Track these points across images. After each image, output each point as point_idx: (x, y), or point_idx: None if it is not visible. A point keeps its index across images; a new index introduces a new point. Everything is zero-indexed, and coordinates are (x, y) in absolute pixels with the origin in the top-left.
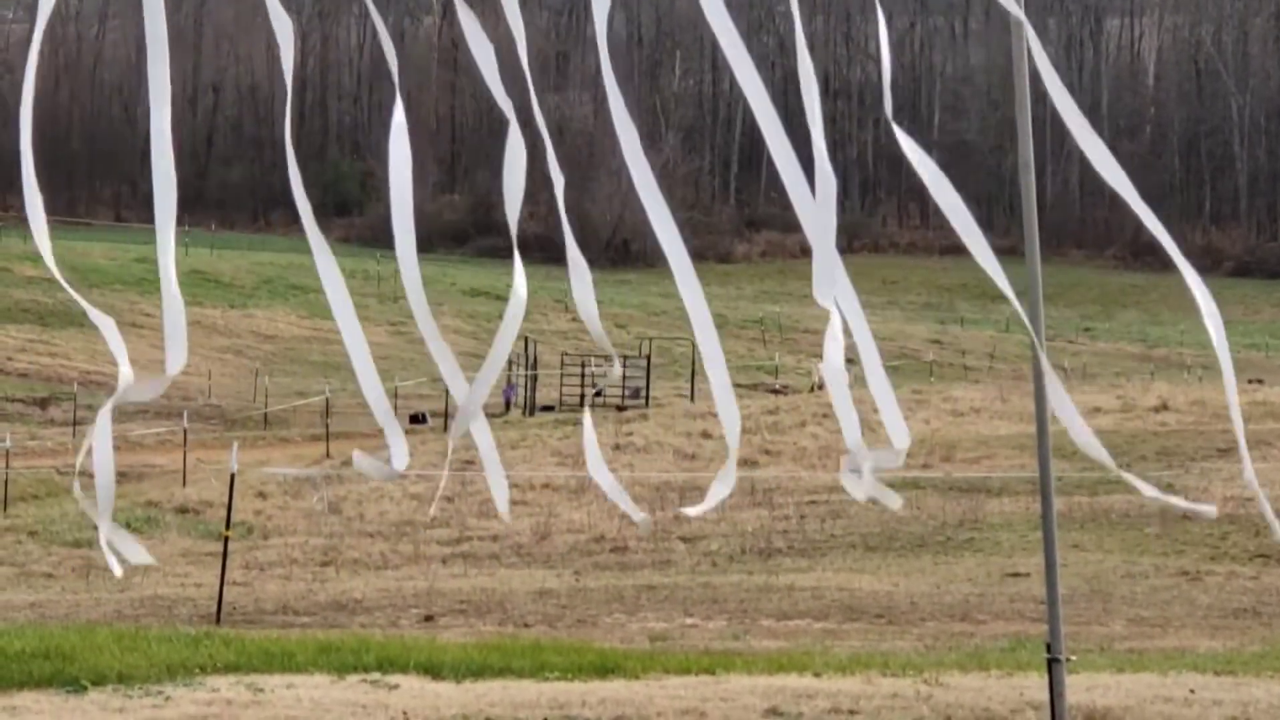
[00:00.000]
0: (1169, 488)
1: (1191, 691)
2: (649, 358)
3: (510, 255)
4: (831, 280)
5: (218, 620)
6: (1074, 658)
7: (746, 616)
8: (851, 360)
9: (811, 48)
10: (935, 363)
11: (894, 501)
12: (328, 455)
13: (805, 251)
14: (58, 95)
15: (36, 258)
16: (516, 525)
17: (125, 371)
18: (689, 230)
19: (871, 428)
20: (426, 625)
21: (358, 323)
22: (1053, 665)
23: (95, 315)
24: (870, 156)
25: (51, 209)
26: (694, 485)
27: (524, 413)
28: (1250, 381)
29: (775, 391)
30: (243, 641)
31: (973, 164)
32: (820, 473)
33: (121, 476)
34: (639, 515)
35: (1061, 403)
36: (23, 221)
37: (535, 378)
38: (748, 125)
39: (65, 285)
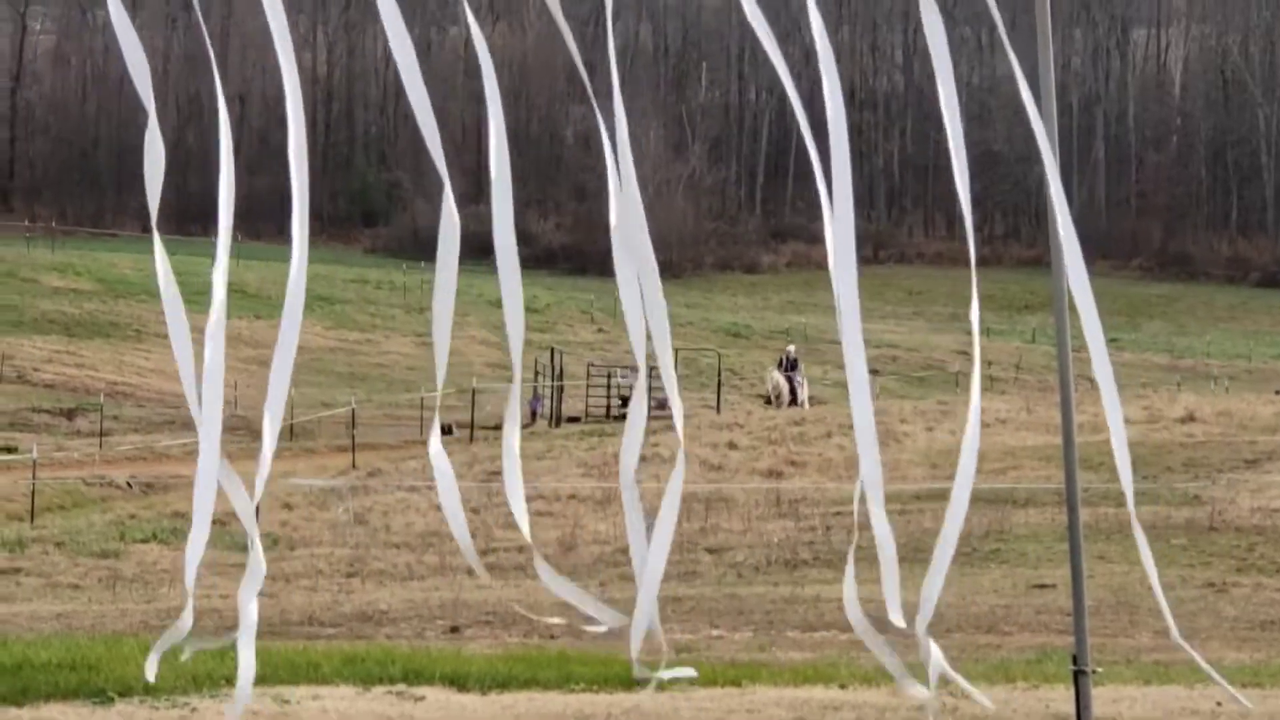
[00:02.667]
0: (1195, 499)
1: (1218, 704)
2: (675, 368)
3: (537, 266)
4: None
5: None
6: (1100, 670)
7: (772, 628)
8: (876, 371)
9: (837, 58)
10: (961, 374)
11: (987, 702)
12: (353, 466)
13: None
14: (85, 106)
15: (64, 268)
16: (542, 536)
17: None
18: (715, 240)
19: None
20: (452, 636)
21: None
22: (1079, 677)
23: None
24: (896, 166)
25: (78, 220)
26: (720, 497)
27: (550, 424)
28: (1277, 392)
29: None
30: (268, 653)
31: (999, 174)
32: (846, 484)
33: (148, 488)
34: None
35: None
36: (50, 233)
37: (561, 389)
38: (774, 136)
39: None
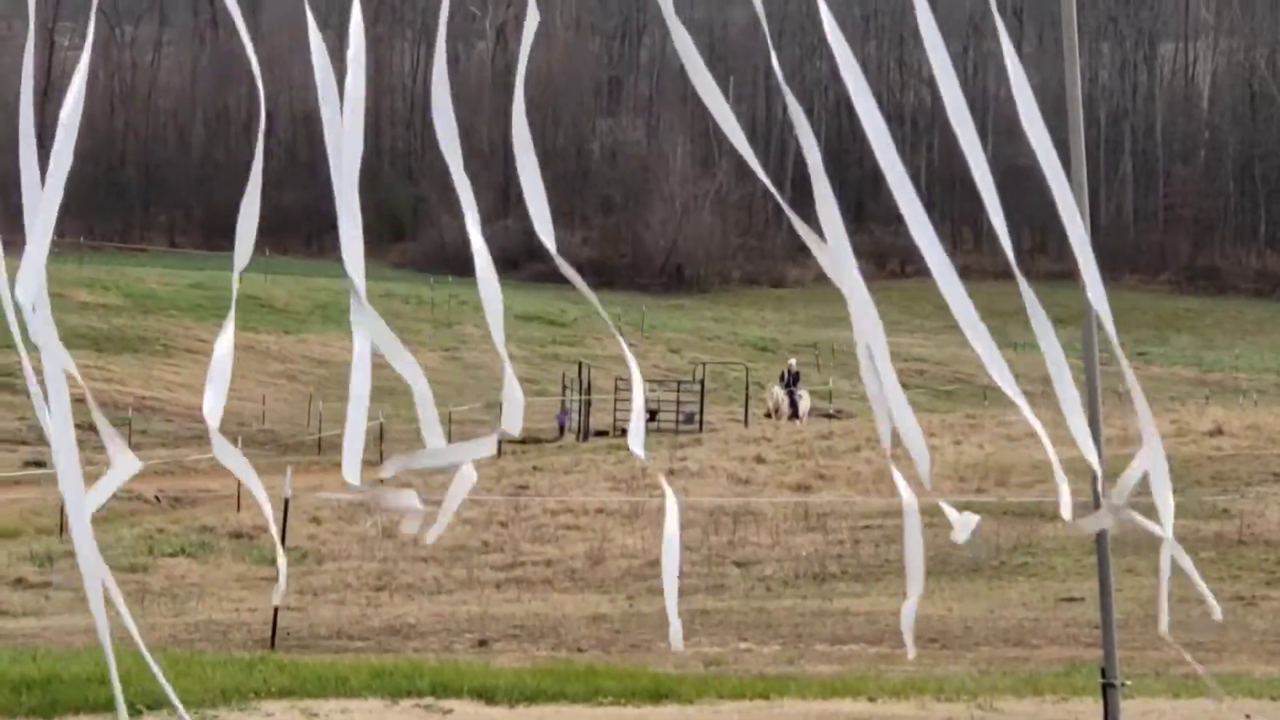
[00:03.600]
0: (1224, 513)
1: (1247, 717)
2: (703, 382)
3: (563, 280)
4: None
5: (272, 645)
6: (1129, 683)
7: (801, 641)
8: (905, 385)
9: (865, 72)
10: (989, 387)
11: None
12: (381, 481)
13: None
14: (113, 121)
15: (92, 283)
16: (570, 550)
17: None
18: (742, 255)
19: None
20: (480, 650)
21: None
22: (1107, 690)
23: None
24: (924, 180)
25: (106, 236)
26: (747, 510)
27: (578, 437)
28: None
29: (829, 416)
30: (297, 666)
31: (1027, 188)
32: (874, 497)
33: (176, 502)
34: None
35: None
36: (79, 248)
37: (589, 403)
38: (800, 150)
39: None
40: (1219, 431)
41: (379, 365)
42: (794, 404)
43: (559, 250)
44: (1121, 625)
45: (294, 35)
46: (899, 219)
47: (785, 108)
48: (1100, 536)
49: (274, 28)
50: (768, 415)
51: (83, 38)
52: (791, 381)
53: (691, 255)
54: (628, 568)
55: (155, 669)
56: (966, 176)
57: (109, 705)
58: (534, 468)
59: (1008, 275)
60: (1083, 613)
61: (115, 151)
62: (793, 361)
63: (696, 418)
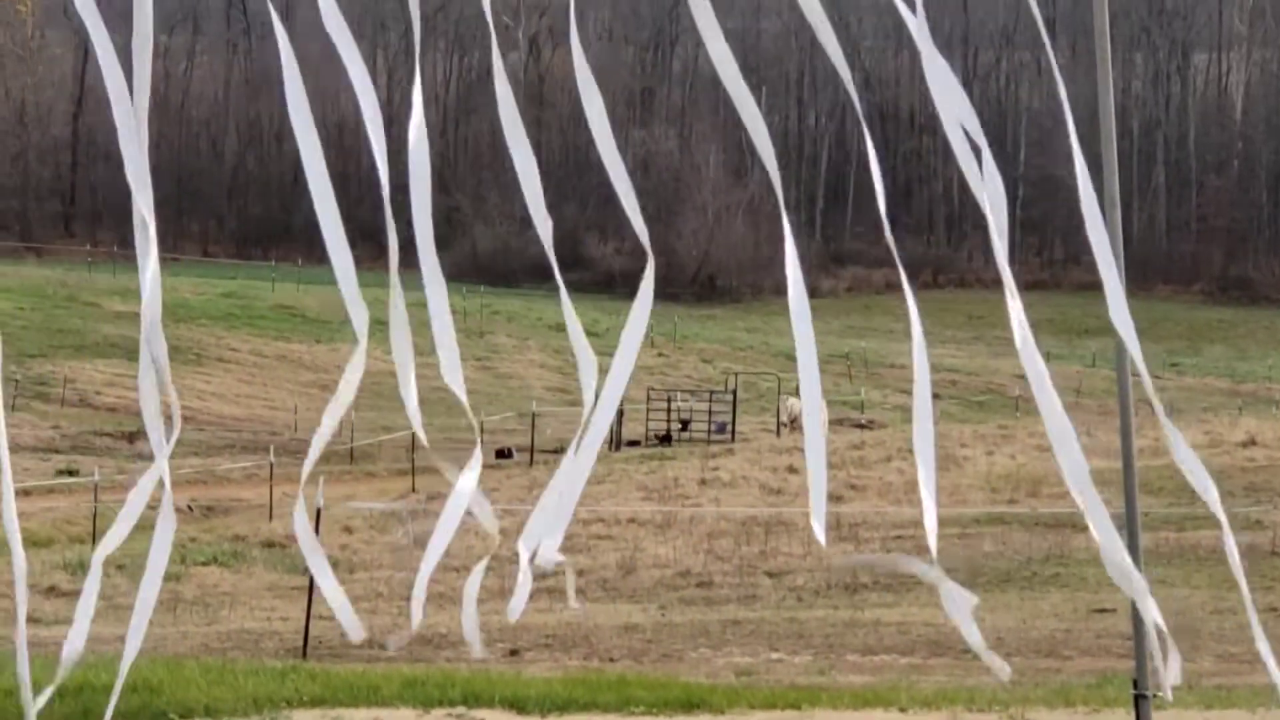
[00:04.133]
0: (1257, 524)
1: None
2: (735, 393)
3: (596, 290)
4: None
5: (304, 654)
6: (1161, 694)
7: (832, 651)
8: (937, 395)
9: (896, 83)
10: (1021, 398)
11: (1002, 671)
12: (413, 490)
13: (890, 286)
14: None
15: (125, 293)
16: (602, 559)
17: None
18: (774, 265)
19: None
20: (512, 660)
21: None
22: (1140, 701)
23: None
24: (956, 191)
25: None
26: (779, 520)
27: (610, 447)
28: None
29: (861, 426)
30: (328, 675)
31: (1059, 199)
32: (905, 508)
33: (208, 511)
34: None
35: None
36: (112, 257)
37: (621, 412)
38: (833, 160)
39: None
40: (1252, 442)
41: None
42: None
43: (592, 262)
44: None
45: (326, 42)
46: (930, 229)
47: (817, 118)
48: (1133, 547)
49: (304, 36)
50: (783, 426)
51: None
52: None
53: (724, 265)
54: (659, 577)
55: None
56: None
57: (140, 713)
58: None
59: (1039, 286)
60: (1114, 624)
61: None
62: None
63: (729, 428)
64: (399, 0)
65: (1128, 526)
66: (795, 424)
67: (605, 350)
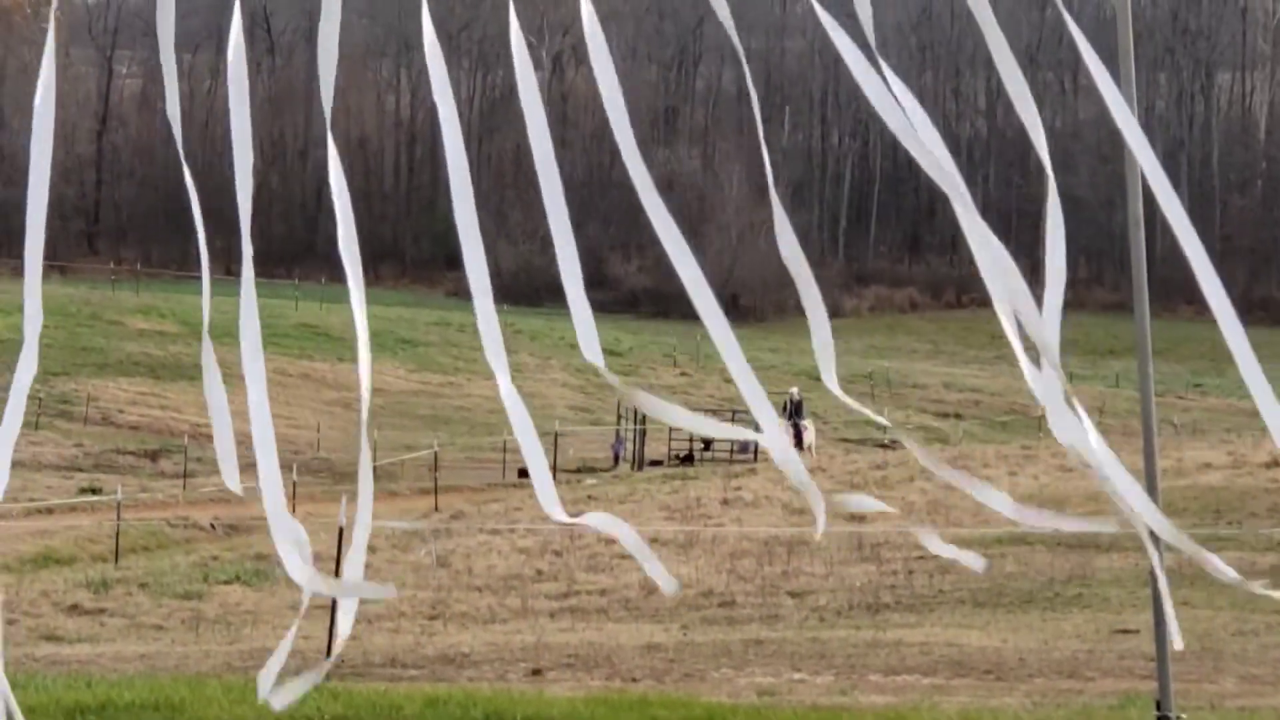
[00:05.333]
0: (1279, 545)
1: None
2: None
3: (619, 310)
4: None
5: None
6: (1184, 715)
7: (854, 672)
8: (960, 416)
9: (921, 101)
10: (1044, 418)
11: (975, 563)
12: (436, 509)
13: (914, 306)
14: (170, 150)
15: (148, 310)
16: (625, 579)
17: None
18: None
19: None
20: (534, 679)
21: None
22: None
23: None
24: (979, 211)
25: (163, 263)
26: (802, 540)
27: (633, 467)
28: None
29: (883, 446)
30: (350, 694)
31: (1083, 219)
32: (928, 528)
33: (231, 530)
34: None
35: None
36: (135, 275)
37: (644, 432)
38: (856, 180)
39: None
40: (1275, 463)
41: (435, 395)
42: (798, 434)
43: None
44: (1176, 658)
45: (348, 65)
46: (954, 248)
47: (840, 138)
48: (1154, 569)
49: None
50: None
51: (140, 65)
52: (794, 412)
53: (747, 284)
54: (682, 597)
55: None
56: (1023, 208)
57: None
58: (589, 497)
59: (1068, 306)
60: (1137, 645)
61: (172, 179)
62: (794, 390)
63: (751, 447)
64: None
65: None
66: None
67: (628, 369)
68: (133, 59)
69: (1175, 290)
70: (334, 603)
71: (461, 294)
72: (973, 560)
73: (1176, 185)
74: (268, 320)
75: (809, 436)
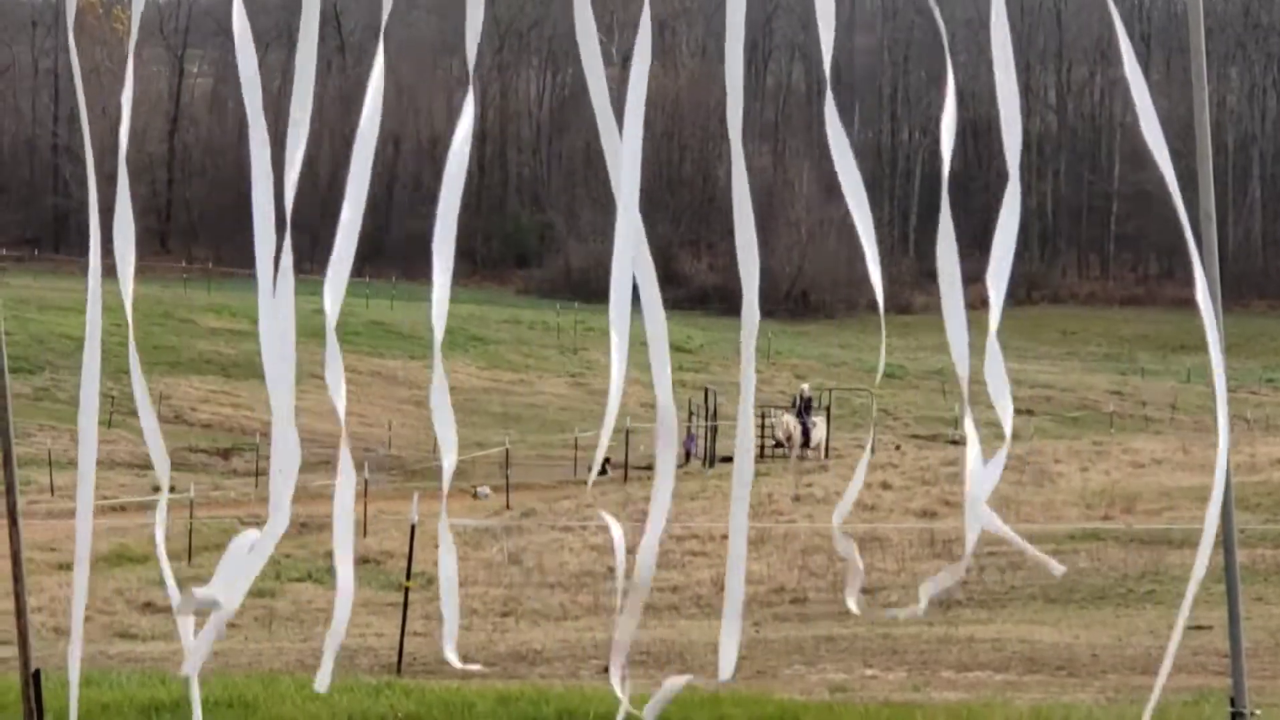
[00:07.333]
0: None
1: None
2: (829, 409)
3: (690, 306)
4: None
5: (398, 670)
6: (1259, 712)
7: (926, 668)
8: (1031, 411)
9: (991, 99)
10: (1115, 414)
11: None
12: (507, 506)
13: (985, 302)
14: (241, 149)
15: (220, 309)
16: (696, 576)
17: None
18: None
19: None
20: (606, 676)
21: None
22: (1236, 719)
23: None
24: (1050, 207)
25: (235, 261)
26: (873, 536)
27: (704, 464)
28: None
29: (954, 443)
30: (423, 691)
31: (1154, 214)
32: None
33: (302, 528)
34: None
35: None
36: (208, 274)
37: (715, 429)
38: (926, 176)
39: None
40: None
41: (506, 392)
42: (806, 432)
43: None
44: (1251, 654)
45: (418, 63)
46: (1024, 244)
47: (910, 134)
48: (1229, 564)
49: (399, 55)
50: (778, 445)
51: (211, 64)
52: (804, 409)
53: (817, 281)
54: (753, 594)
55: None
56: (1093, 203)
57: None
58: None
59: (1133, 302)
60: (1210, 641)
61: (244, 178)
62: (805, 387)
63: (822, 444)
64: (488, 18)
65: (1225, 543)
66: (791, 441)
67: (699, 366)
68: (204, 58)
69: (1247, 285)
70: (405, 601)
71: (531, 292)
72: (1052, 566)
73: (1248, 180)
74: (339, 318)
75: (817, 434)
